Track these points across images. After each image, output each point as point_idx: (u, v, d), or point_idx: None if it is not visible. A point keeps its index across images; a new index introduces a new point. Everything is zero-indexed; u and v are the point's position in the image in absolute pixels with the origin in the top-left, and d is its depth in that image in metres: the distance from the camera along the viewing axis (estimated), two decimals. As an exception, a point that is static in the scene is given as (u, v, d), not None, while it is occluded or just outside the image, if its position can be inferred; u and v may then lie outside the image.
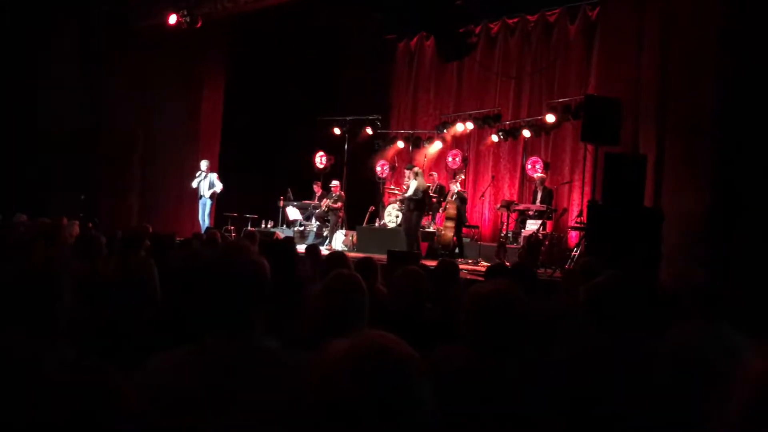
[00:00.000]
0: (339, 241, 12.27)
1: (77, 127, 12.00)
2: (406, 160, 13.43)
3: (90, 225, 8.06)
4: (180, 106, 12.99)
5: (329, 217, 12.60)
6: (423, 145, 13.99)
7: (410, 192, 10.34)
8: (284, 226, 13.40)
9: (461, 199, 11.44)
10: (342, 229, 12.71)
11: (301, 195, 13.71)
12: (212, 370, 1.65)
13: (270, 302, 1.80)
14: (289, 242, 4.69)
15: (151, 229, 5.72)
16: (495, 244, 10.67)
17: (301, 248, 5.73)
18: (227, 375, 1.64)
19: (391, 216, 12.89)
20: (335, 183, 12.91)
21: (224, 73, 13.61)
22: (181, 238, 7.03)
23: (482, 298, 2.11)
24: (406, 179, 10.85)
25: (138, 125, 12.90)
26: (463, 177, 12.73)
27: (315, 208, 13.13)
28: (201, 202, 12.35)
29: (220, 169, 12.93)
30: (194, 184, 12.33)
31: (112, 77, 12.53)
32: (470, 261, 10.42)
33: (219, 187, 12.30)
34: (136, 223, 11.85)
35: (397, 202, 12.27)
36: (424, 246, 10.89)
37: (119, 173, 12.80)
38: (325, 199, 12.77)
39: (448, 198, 11.42)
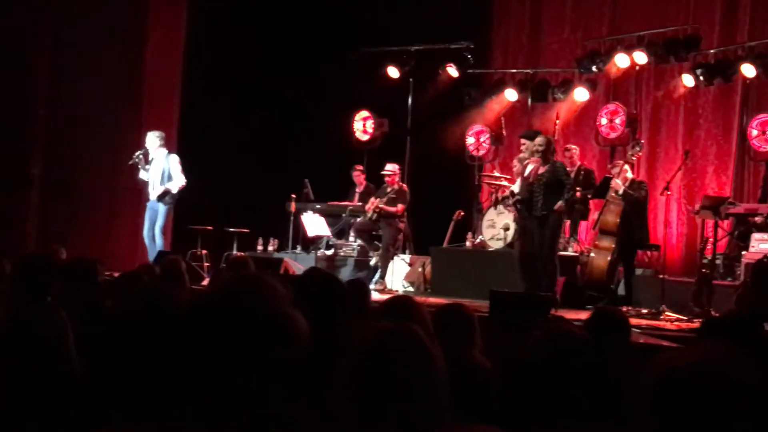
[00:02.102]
0: (399, 274, 9.62)
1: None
2: (521, 126, 10.67)
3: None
4: (108, 56, 10.29)
5: (381, 231, 9.66)
6: (553, 96, 10.96)
7: (545, 180, 7.96)
8: (298, 246, 10.39)
9: (633, 198, 8.66)
10: (405, 252, 10.12)
11: (328, 191, 10.59)
12: None
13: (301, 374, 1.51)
14: (333, 279, 3.27)
15: (64, 255, 5.92)
16: (692, 280, 8.83)
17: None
18: None
19: (496, 228, 9.75)
20: (390, 168, 9.66)
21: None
22: (118, 273, 5.86)
23: (681, 381, 1.57)
24: (516, 163, 8.77)
25: (37, 91, 10.18)
26: (639, 154, 9.55)
27: (354, 213, 10.12)
28: (149, 207, 9.30)
29: (182, 153, 9.86)
30: (143, 176, 9.34)
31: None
32: (645, 311, 8.55)
33: (180, 180, 9.10)
34: (34, 246, 9.80)
35: (508, 202, 9.39)
36: (560, 283, 8.66)
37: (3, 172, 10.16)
38: (372, 198, 9.64)
39: (610, 195, 8.66)
